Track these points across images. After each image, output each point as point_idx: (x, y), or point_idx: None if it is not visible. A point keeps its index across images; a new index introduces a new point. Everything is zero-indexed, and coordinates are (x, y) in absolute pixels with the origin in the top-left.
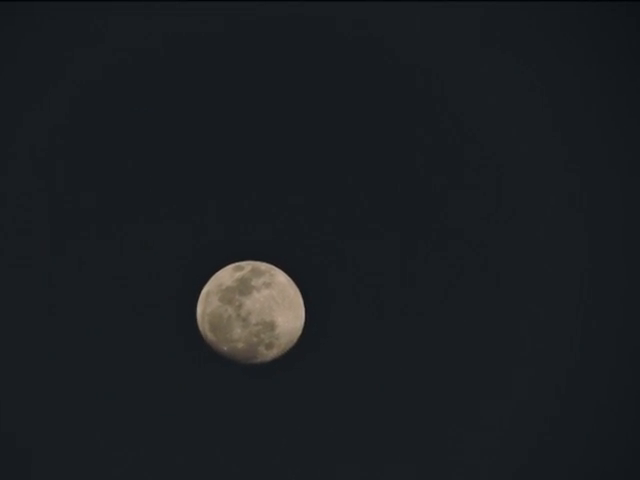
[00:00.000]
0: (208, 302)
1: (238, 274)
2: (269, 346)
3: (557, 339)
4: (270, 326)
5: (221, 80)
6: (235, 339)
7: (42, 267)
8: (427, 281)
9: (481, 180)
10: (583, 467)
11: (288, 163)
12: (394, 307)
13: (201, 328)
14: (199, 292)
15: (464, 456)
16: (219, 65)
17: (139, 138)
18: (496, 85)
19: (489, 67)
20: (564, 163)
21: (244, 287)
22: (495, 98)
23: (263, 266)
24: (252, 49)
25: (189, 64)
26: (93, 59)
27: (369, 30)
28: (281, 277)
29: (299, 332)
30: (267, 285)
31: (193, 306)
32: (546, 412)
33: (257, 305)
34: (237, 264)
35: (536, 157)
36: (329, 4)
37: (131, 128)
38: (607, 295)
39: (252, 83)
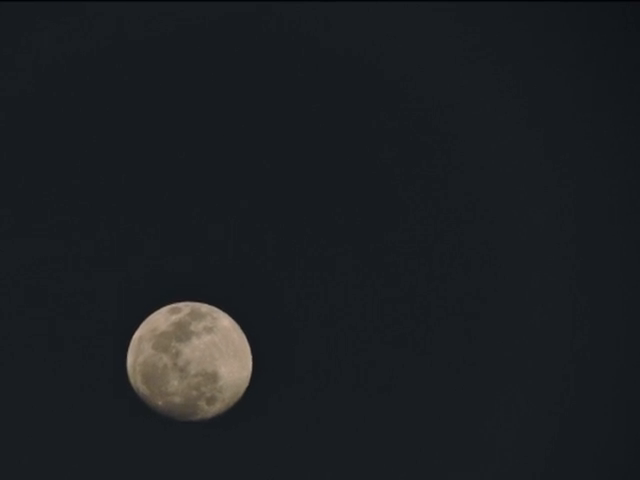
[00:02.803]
0: (140, 350)
1: (175, 317)
2: (211, 401)
3: (555, 354)
4: (212, 377)
5: (149, 121)
6: (171, 392)
7: None
8: (390, 322)
9: (460, 208)
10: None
11: (233, 192)
12: (353, 352)
13: (132, 380)
14: (129, 338)
15: None
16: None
17: (68, 168)
18: (480, 93)
19: (472, 73)
20: (553, 173)
21: (182, 332)
22: (478, 108)
23: (204, 308)
24: (193, 64)
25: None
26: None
27: (344, 37)
28: (224, 321)
29: (245, 384)
30: (208, 330)
31: (123, 354)
32: (546, 431)
33: (197, 353)
34: (173, 305)
35: (524, 165)
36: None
37: (59, 162)
38: (606, 305)
39: (191, 111)
